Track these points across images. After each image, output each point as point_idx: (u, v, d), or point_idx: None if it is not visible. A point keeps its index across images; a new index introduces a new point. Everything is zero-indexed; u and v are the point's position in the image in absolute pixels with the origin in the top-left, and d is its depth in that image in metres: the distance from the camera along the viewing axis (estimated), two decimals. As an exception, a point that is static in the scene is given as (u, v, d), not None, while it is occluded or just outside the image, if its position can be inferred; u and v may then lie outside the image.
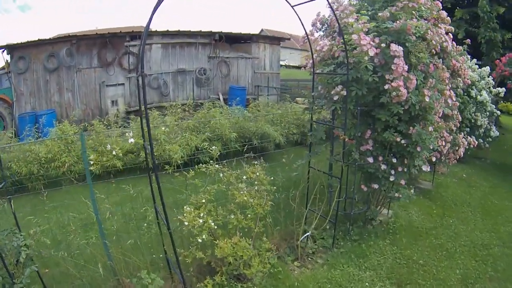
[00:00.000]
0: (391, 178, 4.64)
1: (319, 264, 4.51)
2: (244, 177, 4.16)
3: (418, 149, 4.49)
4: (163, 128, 7.89)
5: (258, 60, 16.58)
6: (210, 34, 14.73)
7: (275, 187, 4.31)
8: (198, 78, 14.63)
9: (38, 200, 6.21)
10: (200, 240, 3.57)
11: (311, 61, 4.78)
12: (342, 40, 4.17)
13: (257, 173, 4.19)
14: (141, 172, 6.84)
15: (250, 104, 11.61)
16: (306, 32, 4.61)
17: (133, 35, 13.31)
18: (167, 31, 13.86)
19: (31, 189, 6.95)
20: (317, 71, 4.76)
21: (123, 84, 13.61)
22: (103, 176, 6.78)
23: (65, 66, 12.75)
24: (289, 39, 19.40)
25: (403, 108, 4.22)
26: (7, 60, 12.99)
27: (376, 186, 4.74)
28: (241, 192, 3.94)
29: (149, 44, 13.49)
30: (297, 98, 14.82)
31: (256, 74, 16.58)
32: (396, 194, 4.79)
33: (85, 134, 7.93)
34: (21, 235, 3.35)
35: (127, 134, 3.73)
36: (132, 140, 3.29)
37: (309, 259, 4.62)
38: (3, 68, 13.52)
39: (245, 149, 5.79)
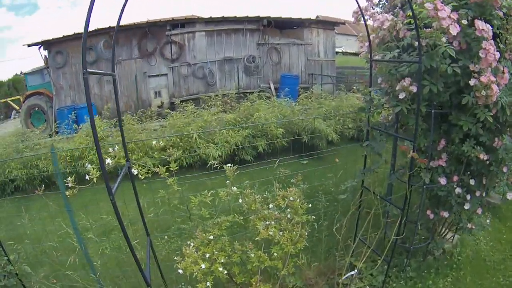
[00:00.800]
0: (466, 206, 3.50)
1: (363, 311, 3.62)
2: (271, 205, 3.25)
3: (505, 169, 3.32)
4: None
5: (311, 46, 15.54)
6: (258, 20, 13.94)
7: (313, 217, 3.37)
8: (246, 66, 13.99)
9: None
10: (201, 292, 2.82)
11: (366, 43, 3.53)
12: (409, 14, 2.96)
13: (291, 198, 3.23)
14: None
15: (301, 95, 10.51)
16: (358, 3, 3.38)
17: (174, 23, 12.98)
18: (211, 18, 13.35)
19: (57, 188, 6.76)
20: (376, 57, 3.53)
21: (166, 74, 13.40)
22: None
23: (104, 59, 12.63)
24: (343, 23, 17.88)
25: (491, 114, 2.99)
26: (45, 56, 13.25)
27: (446, 214, 3.63)
28: (266, 224, 3.06)
29: (192, 32, 13.10)
30: (354, 87, 13.44)
31: (309, 62, 15.56)
32: (469, 225, 3.72)
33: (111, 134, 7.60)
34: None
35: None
36: (108, 161, 2.52)
37: (352, 303, 3.72)
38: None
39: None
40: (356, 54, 28.42)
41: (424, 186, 3.42)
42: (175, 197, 3.30)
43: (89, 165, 2.48)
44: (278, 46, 14.63)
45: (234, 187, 3.20)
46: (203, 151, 6.86)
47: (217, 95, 9.91)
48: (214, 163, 3.46)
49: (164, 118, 10.21)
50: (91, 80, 12.78)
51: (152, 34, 12.87)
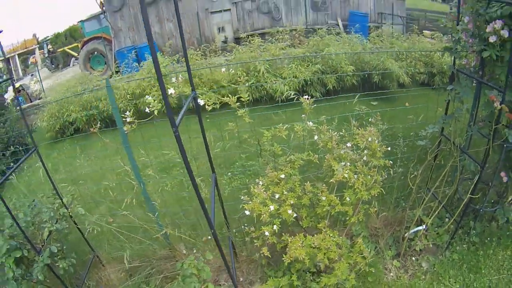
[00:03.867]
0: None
1: (422, 271, 3.37)
2: (349, 144, 2.93)
3: None
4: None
5: None
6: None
7: (391, 162, 3.01)
8: (313, 1, 13.30)
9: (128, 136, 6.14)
10: (267, 234, 2.64)
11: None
12: None
13: (369, 139, 2.88)
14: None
15: (372, 33, 9.80)
16: None
17: None
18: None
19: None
20: (463, -8, 2.92)
21: (229, 10, 13.19)
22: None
23: None
24: None
25: None
26: (101, 1, 13.31)
27: (523, 179, 3.06)
28: (341, 166, 2.73)
29: None
30: (424, 31, 12.33)
31: (379, 0, 14.35)
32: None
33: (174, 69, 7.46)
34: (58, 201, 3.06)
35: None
36: (171, 91, 2.26)
37: (413, 259, 3.47)
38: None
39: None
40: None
41: (505, 145, 2.86)
42: (244, 131, 3.04)
43: (149, 96, 2.21)
44: None
45: (310, 122, 2.87)
46: (270, 86, 6.54)
47: (284, 30, 9.45)
48: (288, 95, 3.15)
49: (229, 53, 10.01)
50: (151, 20, 12.85)
51: None
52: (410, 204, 3.52)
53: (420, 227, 3.40)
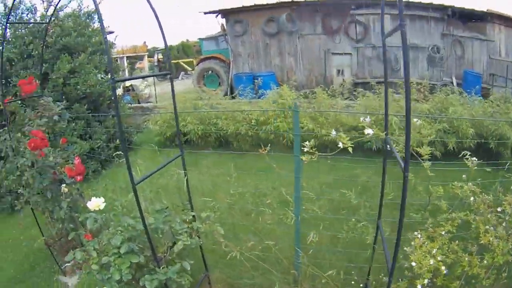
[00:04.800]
0: None
1: None
2: (499, 208, 2.95)
3: None
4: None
5: (493, 44, 13.78)
6: (441, 8, 12.89)
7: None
8: (431, 56, 13.22)
9: (241, 162, 6.30)
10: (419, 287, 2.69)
11: None
12: None
13: None
14: (364, 154, 5.96)
15: (490, 96, 9.26)
16: None
17: (358, 3, 12.68)
18: (395, 0, 12.58)
19: (236, 148, 7.21)
20: None
21: (349, 54, 13.47)
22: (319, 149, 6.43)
23: (286, 31, 13.01)
24: None
25: None
26: (223, 24, 14.24)
27: None
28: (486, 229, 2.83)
29: (377, 14, 12.70)
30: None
31: (491, 60, 13.83)
32: None
33: (300, 105, 7.77)
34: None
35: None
36: (370, 131, 2.46)
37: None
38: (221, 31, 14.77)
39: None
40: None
41: None
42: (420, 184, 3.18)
43: (334, 131, 2.39)
44: (462, 39, 13.38)
45: (470, 183, 3.01)
46: (397, 138, 6.67)
47: (411, 82, 9.45)
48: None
49: (351, 96, 10.15)
50: (272, 51, 13.53)
51: (336, 12, 12.91)
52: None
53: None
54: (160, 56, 25.38)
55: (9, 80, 6.31)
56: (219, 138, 7.87)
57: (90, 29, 7.73)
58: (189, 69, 20.87)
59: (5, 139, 3.61)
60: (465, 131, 6.84)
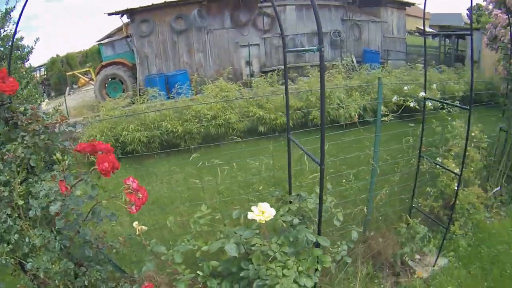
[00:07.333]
0: None
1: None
2: None
3: None
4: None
5: (386, 24, 16.20)
6: (343, -4, 14.48)
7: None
8: (333, 40, 14.70)
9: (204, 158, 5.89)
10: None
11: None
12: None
13: None
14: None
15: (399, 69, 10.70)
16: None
17: None
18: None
19: (185, 148, 6.70)
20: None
21: (257, 44, 13.91)
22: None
23: (195, 28, 12.86)
24: (413, 4, 17.78)
25: None
26: (126, 24, 13.18)
27: None
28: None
29: (283, 5, 13.57)
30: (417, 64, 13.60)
31: (385, 38, 16.18)
32: None
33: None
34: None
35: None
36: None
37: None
38: (117, 34, 13.98)
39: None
40: (421, 34, 27.79)
41: None
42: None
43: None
44: (359, 22, 15.16)
45: None
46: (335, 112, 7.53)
47: (334, 65, 10.02)
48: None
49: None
50: (181, 49, 13.20)
51: (245, 6, 13.18)
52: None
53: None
54: (43, 73, 20.77)
55: None
56: (162, 143, 7.25)
57: None
58: (86, 79, 18.67)
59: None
60: (390, 97, 7.65)
